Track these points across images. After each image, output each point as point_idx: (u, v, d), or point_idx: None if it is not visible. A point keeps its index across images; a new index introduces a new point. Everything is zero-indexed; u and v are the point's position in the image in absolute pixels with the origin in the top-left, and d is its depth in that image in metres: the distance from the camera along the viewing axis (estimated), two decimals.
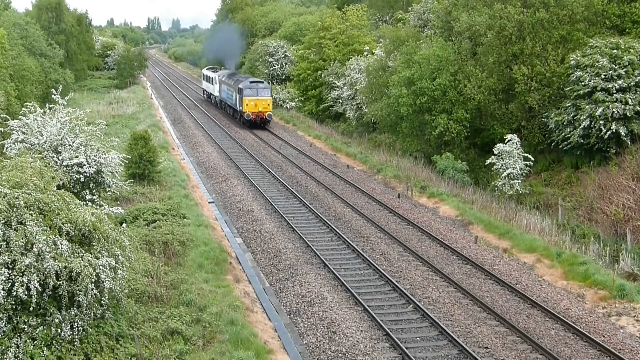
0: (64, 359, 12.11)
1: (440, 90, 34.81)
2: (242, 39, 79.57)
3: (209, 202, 29.08)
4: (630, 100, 28.26)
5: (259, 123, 49.18)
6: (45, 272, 12.06)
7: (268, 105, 49.03)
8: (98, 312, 13.16)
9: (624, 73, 28.67)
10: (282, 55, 67.22)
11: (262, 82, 50.90)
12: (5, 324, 11.92)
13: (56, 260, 12.19)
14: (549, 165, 32.68)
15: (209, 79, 66.70)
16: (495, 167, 30.32)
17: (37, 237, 12.20)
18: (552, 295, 18.93)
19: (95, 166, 20.06)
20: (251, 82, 49.76)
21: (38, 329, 12.10)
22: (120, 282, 13.67)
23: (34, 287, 11.85)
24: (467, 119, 34.64)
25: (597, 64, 29.19)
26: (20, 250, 12.07)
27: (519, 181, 29.84)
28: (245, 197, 29.62)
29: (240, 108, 49.54)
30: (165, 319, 14.79)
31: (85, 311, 12.69)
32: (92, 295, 12.63)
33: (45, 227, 12.60)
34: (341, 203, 28.78)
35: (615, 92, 28.54)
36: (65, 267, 12.25)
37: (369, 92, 42.54)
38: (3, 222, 12.39)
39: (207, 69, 70.18)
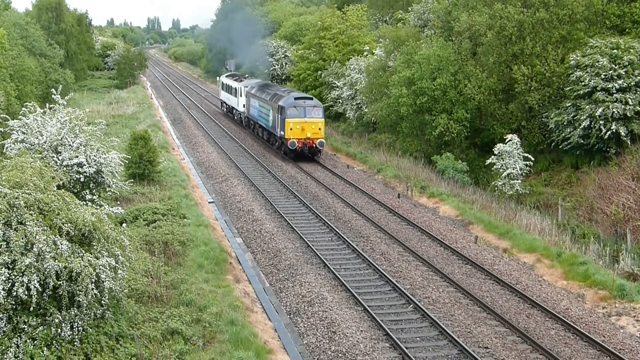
0: (64, 359, 12.10)
1: (440, 90, 34.82)
2: (258, 35, 70.37)
3: (209, 202, 29.09)
4: (630, 100, 28.26)
5: (306, 153, 37.27)
6: (45, 272, 12.06)
7: (319, 129, 37.00)
8: (98, 312, 13.16)
9: (624, 73, 28.67)
10: (282, 55, 67.23)
11: (312, 99, 38.68)
12: (5, 324, 11.92)
13: (56, 260, 12.18)
14: (549, 165, 32.68)
15: (230, 90, 54.18)
16: (495, 167, 30.32)
17: (37, 237, 12.20)
18: (552, 295, 18.93)
19: (95, 166, 20.05)
20: (296, 99, 37.61)
21: (38, 329, 12.10)
22: (120, 282, 13.67)
23: (34, 287, 11.85)
24: (467, 119, 34.65)
25: (597, 64, 29.19)
26: (20, 250, 12.07)
27: (519, 181, 29.84)
28: (245, 197, 29.63)
29: (282, 133, 37.49)
30: (165, 319, 14.79)
31: (85, 311, 12.69)
32: (92, 295, 12.63)
33: (45, 227, 12.60)
34: (341, 203, 28.78)
35: (615, 92, 28.55)
36: (65, 267, 12.25)
37: (369, 92, 42.54)
38: (3, 222, 12.39)
39: (227, 77, 57.58)
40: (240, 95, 49.54)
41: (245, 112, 48.43)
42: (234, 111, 53.68)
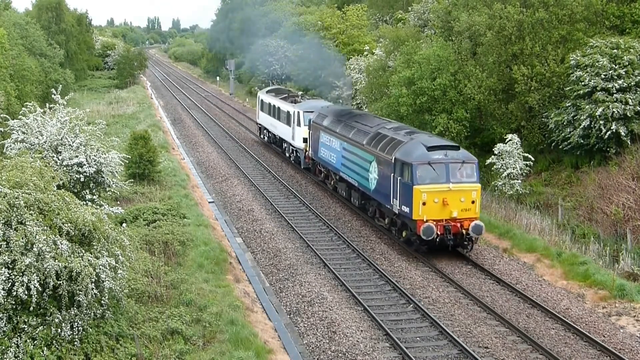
0: (64, 359, 12.11)
1: (440, 90, 34.81)
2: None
3: (209, 202, 29.09)
4: (630, 100, 28.24)
5: (449, 244, 21.35)
6: (45, 272, 12.07)
7: (473, 203, 21.40)
8: (98, 312, 13.17)
9: (624, 73, 28.66)
10: (282, 55, 67.20)
11: (457, 148, 22.72)
12: (5, 324, 11.93)
13: (56, 260, 12.19)
14: (549, 165, 32.66)
15: (276, 113, 38.73)
16: (495, 167, 30.30)
17: (37, 237, 12.21)
18: (552, 295, 18.93)
19: (95, 166, 20.07)
20: (431, 149, 21.77)
21: (38, 329, 12.11)
22: (120, 282, 13.68)
23: (34, 287, 11.86)
24: (467, 118, 34.64)
25: (597, 63, 29.18)
26: (20, 250, 12.08)
27: (519, 181, 29.83)
28: (246, 197, 29.63)
29: (404, 209, 21.60)
30: (165, 319, 14.80)
31: (85, 311, 12.70)
32: (92, 295, 12.64)
33: (45, 227, 12.61)
34: (340, 203, 28.76)
35: (615, 92, 28.53)
36: (65, 267, 12.26)
37: (369, 92, 42.53)
38: (3, 222, 12.40)
39: (269, 93, 42.73)
40: (298, 125, 34.67)
41: (310, 152, 32.52)
42: (284, 145, 38.16)
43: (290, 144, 36.49)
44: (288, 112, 36.34)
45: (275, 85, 63.48)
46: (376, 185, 23.86)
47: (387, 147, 23.16)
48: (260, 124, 44.40)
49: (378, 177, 23.64)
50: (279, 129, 38.47)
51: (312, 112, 33.27)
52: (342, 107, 34.26)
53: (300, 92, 42.85)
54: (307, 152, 33.30)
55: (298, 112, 34.76)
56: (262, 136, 44.75)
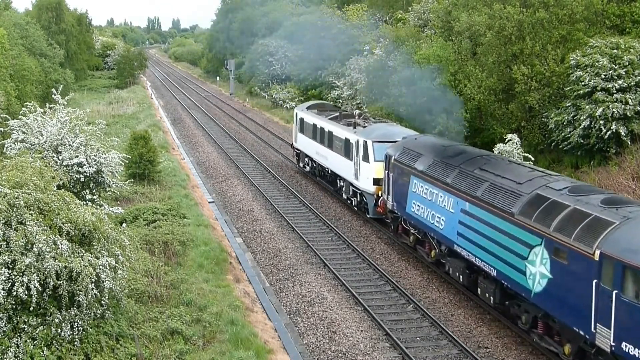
0: (64, 359, 12.11)
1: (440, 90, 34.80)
2: None
3: (209, 202, 29.08)
4: (630, 100, 28.23)
5: None
6: (45, 272, 12.06)
7: None
8: (98, 312, 13.16)
9: (624, 73, 28.64)
10: (282, 55, 67.23)
11: None
12: (5, 324, 11.93)
13: (56, 260, 12.19)
14: (549, 165, 32.63)
15: (328, 140, 29.61)
16: None
17: (37, 237, 12.21)
18: None
19: (95, 166, 20.06)
20: None
21: (38, 329, 12.11)
22: (120, 282, 13.68)
23: (34, 287, 11.86)
24: (467, 118, 34.63)
25: (597, 63, 29.17)
26: (20, 250, 12.08)
27: None
28: (246, 197, 29.64)
29: (633, 351, 11.85)
30: (165, 319, 14.79)
31: (85, 311, 12.70)
32: (92, 295, 12.63)
33: (45, 227, 12.61)
34: (341, 202, 28.77)
35: (615, 92, 28.52)
36: (65, 267, 12.26)
37: (368, 92, 42.53)
38: (3, 222, 12.40)
39: (310, 109, 34.30)
40: (365, 159, 25.39)
41: (389, 202, 22.84)
42: (340, 182, 28.62)
43: (351, 184, 26.68)
44: (347, 140, 26.99)
45: (275, 85, 63.56)
46: (546, 287, 14.39)
47: (574, 227, 13.68)
48: (298, 150, 34.31)
49: (553, 277, 14.18)
50: (332, 160, 29.11)
51: (386, 141, 24.39)
52: (444, 141, 22.55)
53: (356, 111, 33.35)
54: (381, 200, 23.89)
55: (365, 142, 25.29)
56: (301, 165, 34.25)
